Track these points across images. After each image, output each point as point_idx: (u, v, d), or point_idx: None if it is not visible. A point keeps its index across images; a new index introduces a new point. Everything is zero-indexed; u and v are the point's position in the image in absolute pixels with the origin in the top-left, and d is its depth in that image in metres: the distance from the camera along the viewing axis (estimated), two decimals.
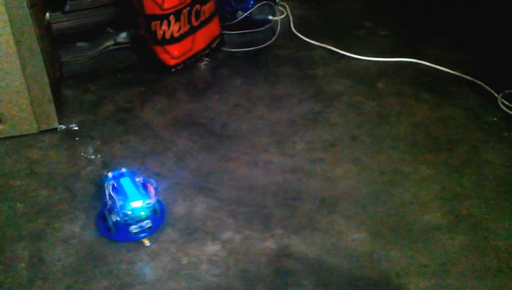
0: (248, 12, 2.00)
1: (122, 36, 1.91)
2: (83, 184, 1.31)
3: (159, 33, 1.70)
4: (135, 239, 1.15)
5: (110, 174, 1.19)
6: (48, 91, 1.44)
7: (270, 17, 2.06)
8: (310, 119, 1.56)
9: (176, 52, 1.75)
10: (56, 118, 1.48)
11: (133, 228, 1.15)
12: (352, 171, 1.36)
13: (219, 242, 1.16)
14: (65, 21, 1.85)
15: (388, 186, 1.31)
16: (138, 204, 1.14)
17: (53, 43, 1.67)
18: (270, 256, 1.12)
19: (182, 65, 1.79)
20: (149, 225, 1.16)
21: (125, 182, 1.18)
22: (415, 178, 1.33)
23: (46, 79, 1.42)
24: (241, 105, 1.63)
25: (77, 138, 1.48)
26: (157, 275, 1.08)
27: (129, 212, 1.14)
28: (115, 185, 1.16)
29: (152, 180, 1.21)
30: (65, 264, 1.10)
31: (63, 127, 1.51)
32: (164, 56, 1.75)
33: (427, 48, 1.91)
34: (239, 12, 2.00)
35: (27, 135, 1.47)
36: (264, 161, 1.40)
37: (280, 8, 2.16)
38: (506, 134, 1.49)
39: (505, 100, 1.59)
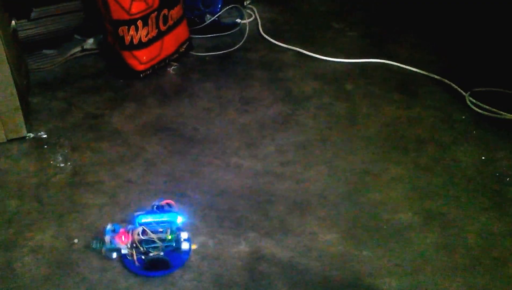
0: (216, 15, 1.99)
1: (90, 42, 1.88)
2: (53, 193, 1.29)
3: (127, 39, 1.68)
4: (190, 253, 1.11)
5: (110, 226, 1.10)
6: (15, 99, 1.41)
7: (238, 20, 2.06)
8: (280, 122, 1.56)
9: (144, 57, 1.73)
10: (24, 127, 1.46)
11: (185, 245, 1.09)
12: (323, 173, 1.37)
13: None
14: (31, 28, 1.80)
15: (359, 186, 1.32)
16: (181, 219, 1.11)
17: (19, 50, 1.64)
18: (243, 259, 1.12)
19: (150, 70, 1.77)
20: (186, 234, 1.12)
21: (148, 217, 1.11)
22: (386, 178, 1.35)
23: (13, 87, 1.39)
24: (211, 109, 1.63)
25: (46, 146, 1.45)
26: (130, 282, 1.07)
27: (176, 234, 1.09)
28: (145, 229, 1.09)
29: (161, 198, 1.16)
30: (36, 273, 1.08)
31: (32, 135, 1.48)
32: (132, 62, 1.72)
33: (395, 48, 1.94)
34: (207, 15, 1.99)
35: None
36: (235, 165, 1.39)
37: (248, 11, 2.16)
38: (474, 132, 1.52)
39: (473, 98, 1.63)
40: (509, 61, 1.78)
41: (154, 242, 1.08)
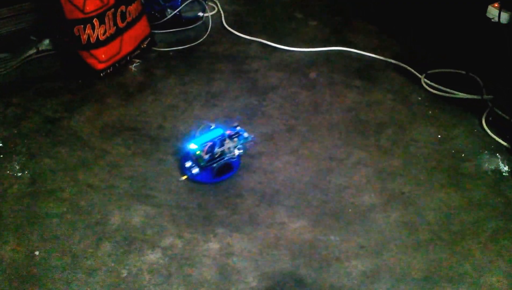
0: (178, 10, 1.96)
1: (45, 43, 1.82)
2: (10, 204, 1.25)
3: (84, 38, 1.63)
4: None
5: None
6: None
7: (201, 14, 2.04)
8: (247, 114, 1.56)
9: (103, 56, 1.69)
10: None
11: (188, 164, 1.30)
12: (290, 162, 1.38)
13: (160, 250, 1.14)
14: None
15: (325, 173, 1.34)
16: (194, 146, 1.29)
17: None
18: (213, 256, 1.12)
19: (111, 69, 1.73)
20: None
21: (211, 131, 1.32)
22: (349, 163, 1.37)
23: None
24: (177, 105, 1.61)
25: (1, 155, 1.40)
26: None
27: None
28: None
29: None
30: None
31: None
32: (91, 61, 1.68)
33: (354, 35, 1.96)
34: (168, 10, 1.96)
35: None
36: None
37: (211, 4, 2.14)
38: (430, 112, 1.56)
39: (428, 80, 1.68)
40: (459, 43, 1.84)
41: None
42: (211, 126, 1.34)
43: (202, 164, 1.28)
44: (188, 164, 1.29)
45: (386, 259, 1.12)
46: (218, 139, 1.30)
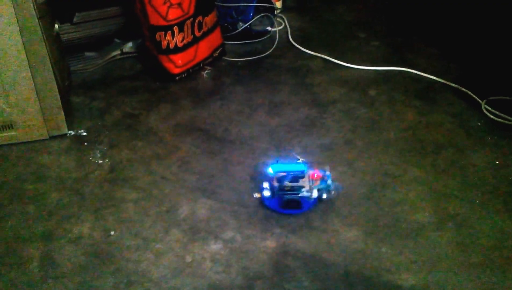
0: (248, 23, 2.08)
1: (129, 45, 1.98)
2: (91, 187, 1.38)
3: (164, 43, 1.78)
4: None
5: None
6: (57, 98, 1.50)
7: (269, 28, 2.15)
8: (307, 125, 1.64)
9: (180, 61, 1.83)
10: (65, 124, 1.55)
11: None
12: (346, 173, 1.43)
13: (221, 241, 1.22)
14: (73, 31, 1.90)
15: (380, 187, 1.39)
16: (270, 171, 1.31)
17: (62, 52, 1.73)
18: (269, 254, 1.19)
19: (185, 74, 1.86)
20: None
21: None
22: (405, 180, 1.41)
23: (55, 87, 1.48)
24: (242, 111, 1.71)
25: (85, 143, 1.54)
26: (163, 272, 1.14)
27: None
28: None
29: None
30: (75, 263, 1.16)
31: (72, 133, 1.58)
32: (168, 65, 1.82)
33: (415, 57, 1.99)
34: (240, 23, 2.08)
35: (38, 140, 1.53)
36: (264, 165, 1.47)
37: (279, 19, 2.25)
38: (489, 138, 1.56)
39: (489, 106, 1.68)
40: None
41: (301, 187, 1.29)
42: (298, 159, 1.39)
43: (273, 190, 1.31)
44: (265, 184, 1.32)
45: (437, 276, 1.14)
46: (293, 173, 1.30)
